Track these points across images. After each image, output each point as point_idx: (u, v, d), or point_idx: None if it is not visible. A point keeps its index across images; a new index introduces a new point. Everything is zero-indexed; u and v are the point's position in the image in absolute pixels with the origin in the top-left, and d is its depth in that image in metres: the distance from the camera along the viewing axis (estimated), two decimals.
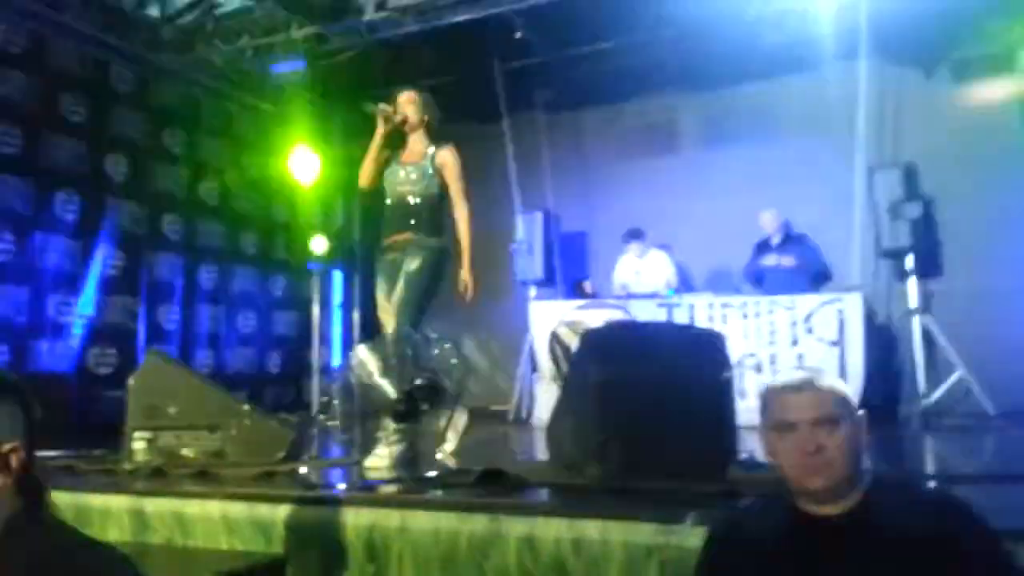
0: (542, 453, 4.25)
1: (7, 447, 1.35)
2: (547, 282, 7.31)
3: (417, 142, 4.01)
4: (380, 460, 3.38)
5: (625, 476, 2.76)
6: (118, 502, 3.05)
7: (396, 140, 4.07)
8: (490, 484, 2.80)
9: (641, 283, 6.84)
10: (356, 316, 8.71)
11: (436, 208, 3.92)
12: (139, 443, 3.65)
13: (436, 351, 3.14)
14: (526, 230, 7.33)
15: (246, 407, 3.77)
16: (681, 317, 5.97)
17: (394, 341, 3.31)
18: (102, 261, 6.55)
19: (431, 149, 3.96)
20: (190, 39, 7.06)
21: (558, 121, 8.19)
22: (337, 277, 8.84)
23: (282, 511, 2.69)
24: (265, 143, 7.99)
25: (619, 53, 7.65)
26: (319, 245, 7.51)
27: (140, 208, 6.97)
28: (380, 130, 3.92)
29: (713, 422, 2.96)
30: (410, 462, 3.30)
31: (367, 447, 3.64)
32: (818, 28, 6.87)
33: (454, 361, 3.17)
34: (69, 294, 6.32)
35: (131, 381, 3.75)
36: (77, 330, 6.32)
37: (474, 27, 6.80)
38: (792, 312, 5.84)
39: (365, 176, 3.99)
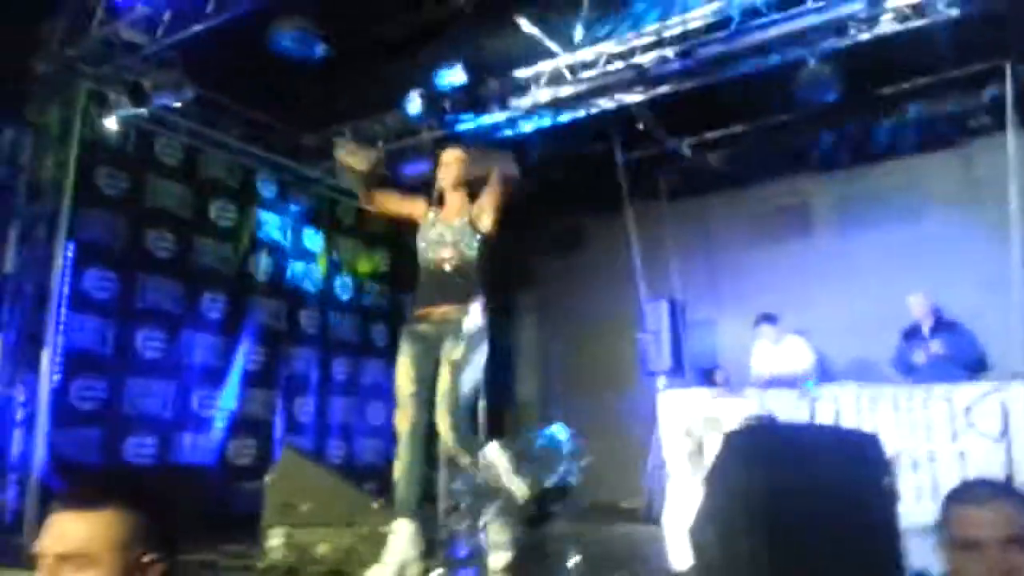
0: (677, 557, 4.01)
1: (147, 558, 1.36)
2: (675, 372, 7.09)
3: (456, 201, 3.65)
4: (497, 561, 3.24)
5: None
6: None
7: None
8: None
9: (779, 370, 6.52)
10: (481, 406, 8.71)
11: (474, 274, 3.54)
12: (274, 540, 3.69)
13: (567, 451, 3.03)
14: (652, 319, 7.17)
15: (376, 504, 3.77)
16: (825, 409, 5.60)
17: (524, 441, 3.22)
18: (244, 356, 6.89)
19: (468, 202, 3.61)
20: (327, 146, 7.50)
21: (683, 208, 8.12)
22: None
23: None
24: (394, 238, 8.29)
25: (746, 137, 7.58)
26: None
27: (280, 304, 7.33)
28: (360, 171, 3.54)
29: (876, 533, 2.69)
30: (538, 568, 3.16)
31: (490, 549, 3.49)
32: (961, 100, 6.59)
33: (585, 462, 3.05)
34: (213, 388, 6.64)
35: (267, 478, 3.83)
36: (219, 423, 6.60)
37: (594, 120, 6.90)
38: (950, 404, 5.37)
39: (376, 201, 3.67)
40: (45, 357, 5.40)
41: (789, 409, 5.66)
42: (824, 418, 5.57)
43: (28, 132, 5.91)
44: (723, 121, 7.46)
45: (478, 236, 3.56)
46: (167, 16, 5.62)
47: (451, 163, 3.68)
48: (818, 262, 7.51)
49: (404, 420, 3.45)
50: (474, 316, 3.44)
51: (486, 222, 3.57)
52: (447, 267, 3.53)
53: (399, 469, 3.45)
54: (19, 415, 5.44)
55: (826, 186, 7.87)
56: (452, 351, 3.37)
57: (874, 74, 6.54)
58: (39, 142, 5.91)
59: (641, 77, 6.25)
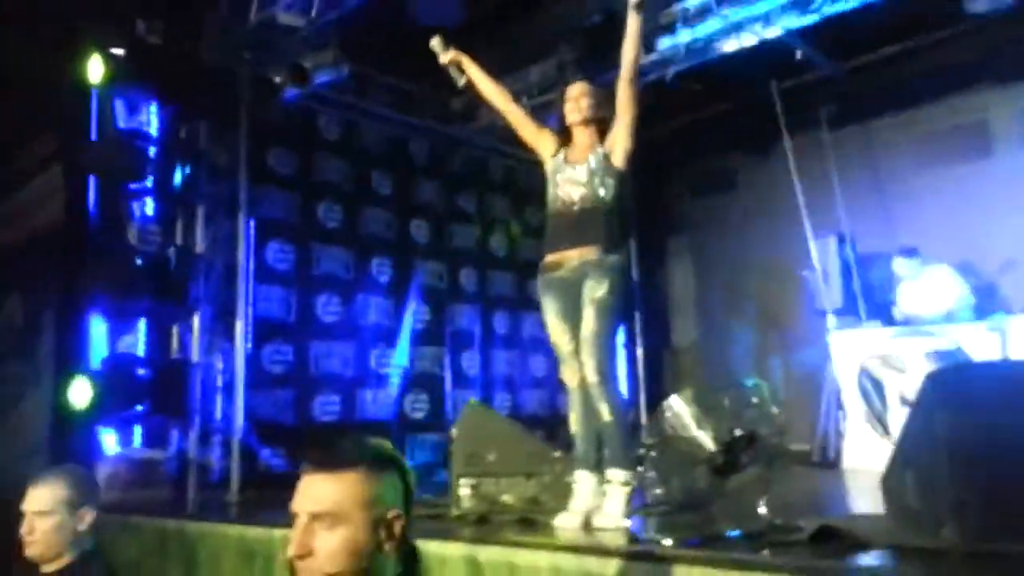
0: (863, 504, 3.90)
1: (391, 514, 1.48)
2: (847, 310, 6.77)
3: (585, 139, 3.50)
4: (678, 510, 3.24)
5: (989, 539, 2.43)
6: (453, 549, 3.24)
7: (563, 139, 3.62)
8: (827, 543, 2.60)
9: (924, 308, 6.12)
10: (639, 353, 8.72)
11: (612, 214, 3.39)
12: (464, 489, 3.88)
13: (755, 399, 3.00)
14: (820, 256, 6.86)
15: (558, 454, 3.89)
16: (1017, 343, 5.20)
17: (711, 390, 3.19)
18: (412, 316, 7.22)
19: (597, 139, 3.46)
20: (474, 108, 7.61)
21: (846, 136, 7.64)
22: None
23: (612, 565, 2.70)
24: (544, 192, 8.37)
25: (910, 55, 7.04)
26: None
27: (440, 265, 7.60)
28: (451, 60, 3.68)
29: None
30: (730, 516, 3.16)
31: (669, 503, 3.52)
32: None
33: (775, 410, 3.01)
34: (387, 347, 7.02)
35: (454, 430, 4.03)
36: (395, 379, 6.99)
37: (746, 53, 6.60)
38: None
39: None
40: (238, 327, 5.84)
41: (976, 345, 5.30)
42: (1018, 352, 5.17)
43: (202, 120, 6.34)
44: (885, 40, 6.94)
45: (614, 174, 3.42)
46: None
47: (578, 97, 3.56)
48: (1000, 184, 6.91)
49: (572, 376, 3.45)
50: (614, 255, 3.36)
51: (619, 154, 3.44)
52: (579, 208, 3.42)
53: (575, 423, 3.49)
54: (219, 381, 5.95)
55: (1006, 99, 7.19)
56: (595, 289, 3.30)
57: None
58: (212, 128, 6.34)
59: (796, 2, 5.90)
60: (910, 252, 6.39)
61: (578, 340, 3.37)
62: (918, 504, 2.75)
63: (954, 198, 7.02)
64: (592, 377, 3.29)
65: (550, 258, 3.52)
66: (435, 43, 3.75)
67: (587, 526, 3.26)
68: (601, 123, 3.52)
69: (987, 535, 2.44)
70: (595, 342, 3.28)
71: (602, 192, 3.40)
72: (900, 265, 6.41)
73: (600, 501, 3.32)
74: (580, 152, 3.51)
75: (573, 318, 3.39)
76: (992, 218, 6.75)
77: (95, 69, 5.40)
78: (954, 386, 2.80)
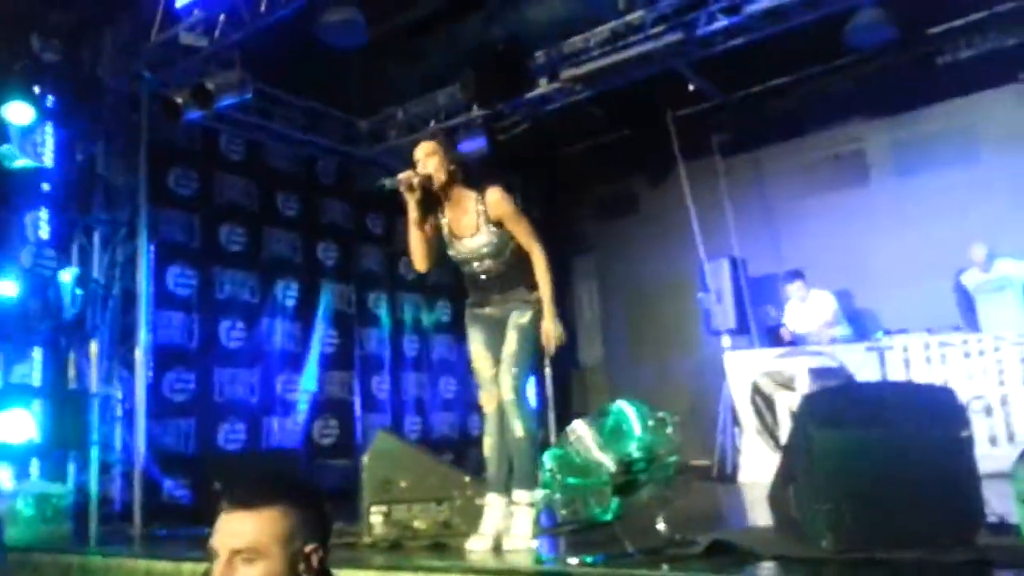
0: (757, 517, 4.15)
1: (309, 548, 1.55)
2: (740, 331, 7.15)
3: (456, 200, 3.48)
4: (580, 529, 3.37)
5: (863, 547, 2.66)
6: None
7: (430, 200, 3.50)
8: (719, 556, 2.78)
9: (806, 327, 6.58)
10: (548, 373, 8.89)
11: (517, 264, 3.49)
12: (376, 517, 3.91)
13: (651, 422, 3.18)
14: (713, 278, 7.23)
15: (467, 479, 3.97)
16: (895, 360, 5.63)
17: (611, 413, 3.34)
18: (320, 340, 7.17)
19: (478, 203, 3.45)
20: (382, 129, 7.67)
21: (737, 163, 8.09)
22: None
23: None
24: None
25: (796, 87, 7.51)
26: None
27: (348, 288, 7.58)
28: (411, 203, 3.40)
29: (955, 484, 2.79)
30: (628, 534, 3.31)
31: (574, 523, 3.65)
32: (1018, 35, 6.42)
33: (670, 430, 3.19)
34: (293, 373, 6.95)
35: (365, 458, 4.05)
36: (302, 405, 6.91)
37: (643, 83, 6.90)
38: (1021, 348, 5.36)
39: (420, 261, 3.53)
40: (138, 354, 5.70)
41: (857, 363, 5.70)
42: (893, 369, 5.60)
43: (99, 141, 6.17)
44: (772, 72, 7.38)
45: (507, 235, 3.46)
46: (223, 18, 5.81)
47: (428, 156, 3.46)
48: (877, 209, 7.45)
49: (489, 401, 3.57)
50: (536, 292, 3.47)
51: (533, 248, 3.47)
52: (489, 274, 3.53)
53: (488, 447, 3.60)
54: (118, 411, 5.78)
55: (881, 131, 7.76)
56: (519, 318, 3.46)
57: (926, 14, 6.42)
58: (110, 150, 6.18)
59: (688, 38, 6.23)
60: (795, 275, 6.78)
61: (496, 365, 3.50)
62: (800, 516, 2.98)
63: (836, 223, 7.50)
64: (508, 395, 3.43)
65: (476, 302, 3.64)
66: (403, 187, 3.44)
67: (497, 548, 3.37)
68: (453, 172, 3.48)
69: (861, 544, 2.67)
70: (513, 362, 3.42)
71: (506, 254, 3.49)
72: (788, 287, 6.80)
73: (509, 523, 3.44)
74: (458, 218, 3.51)
75: (496, 347, 3.52)
76: (870, 242, 7.26)
77: None
78: (828, 405, 3.06)
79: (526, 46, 6.80)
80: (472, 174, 3.60)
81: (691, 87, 7.15)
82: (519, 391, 3.44)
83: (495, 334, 3.55)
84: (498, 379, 3.48)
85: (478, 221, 3.48)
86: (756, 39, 6.10)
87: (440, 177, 3.45)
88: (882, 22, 5.73)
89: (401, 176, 3.42)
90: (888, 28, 5.74)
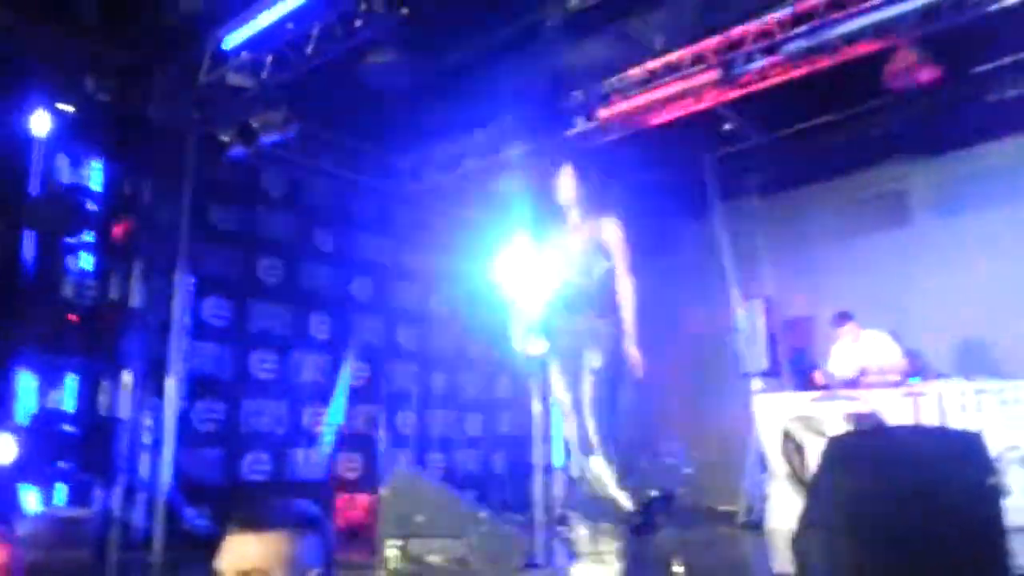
0: (780, 562, 4.02)
1: (313, 573, 1.55)
2: (772, 373, 6.99)
3: (575, 220, 4.02)
4: (598, 569, 3.34)
5: None
6: None
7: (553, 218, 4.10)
8: None
9: (863, 369, 6.37)
10: None
11: (603, 288, 3.89)
12: (391, 550, 3.90)
13: (669, 461, 3.11)
14: (747, 319, 7.11)
15: (485, 515, 3.94)
16: (930, 407, 5.45)
17: (628, 452, 3.33)
18: (349, 373, 7.22)
19: (594, 224, 3.95)
20: (421, 167, 7.78)
21: (773, 204, 8.00)
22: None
23: None
24: (489, 254, 8.53)
25: (835, 126, 7.42)
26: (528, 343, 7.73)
27: (379, 322, 7.63)
28: None
29: (982, 534, 2.68)
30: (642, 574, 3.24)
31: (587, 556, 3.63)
32: None
33: (689, 470, 3.13)
34: (321, 405, 6.99)
35: (383, 492, 4.05)
36: (328, 438, 6.93)
37: (680, 122, 6.89)
38: None
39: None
40: (170, 383, 5.79)
41: (892, 409, 5.53)
42: (928, 415, 5.41)
43: (146, 176, 6.35)
44: (812, 111, 7.32)
45: (603, 257, 3.89)
46: (269, 59, 5.97)
47: (564, 180, 4.04)
48: (918, 251, 7.28)
49: (571, 428, 3.85)
50: (608, 324, 3.82)
51: (626, 281, 3.92)
52: (581, 283, 3.89)
53: (576, 470, 3.76)
54: (146, 439, 5.85)
55: (923, 171, 7.60)
56: (593, 360, 3.76)
57: (968, 52, 6.33)
58: (156, 186, 6.35)
59: (726, 77, 6.22)
60: (846, 317, 6.59)
61: (578, 399, 3.81)
62: (823, 564, 2.87)
63: (874, 265, 7.34)
64: (594, 438, 3.67)
65: (555, 324, 3.96)
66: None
67: None
68: (581, 202, 4.01)
69: None
70: (595, 406, 3.72)
71: (597, 270, 3.89)
72: (839, 330, 6.58)
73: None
74: (574, 231, 4.00)
75: (573, 378, 3.86)
76: (910, 286, 7.08)
77: (40, 123, 5.41)
78: (854, 451, 2.96)
79: (565, 86, 6.89)
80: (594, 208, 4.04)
81: (728, 127, 7.11)
82: (604, 433, 3.67)
83: (571, 364, 3.86)
84: (582, 417, 3.77)
85: (585, 239, 3.93)
86: (795, 78, 6.07)
87: (570, 195, 3.99)
88: (923, 61, 5.65)
89: None
90: (930, 67, 5.66)
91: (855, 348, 6.51)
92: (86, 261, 6.03)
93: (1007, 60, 6.45)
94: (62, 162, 5.81)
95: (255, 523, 1.52)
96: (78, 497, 5.25)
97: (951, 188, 7.35)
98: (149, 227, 6.27)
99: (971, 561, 2.59)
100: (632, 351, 3.77)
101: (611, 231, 3.93)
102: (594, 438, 3.65)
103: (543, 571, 3.75)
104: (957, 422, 5.24)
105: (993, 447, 3.26)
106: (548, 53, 6.60)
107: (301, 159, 7.14)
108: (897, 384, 5.89)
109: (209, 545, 1.62)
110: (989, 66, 6.53)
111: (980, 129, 6.98)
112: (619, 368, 3.78)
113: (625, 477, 3.34)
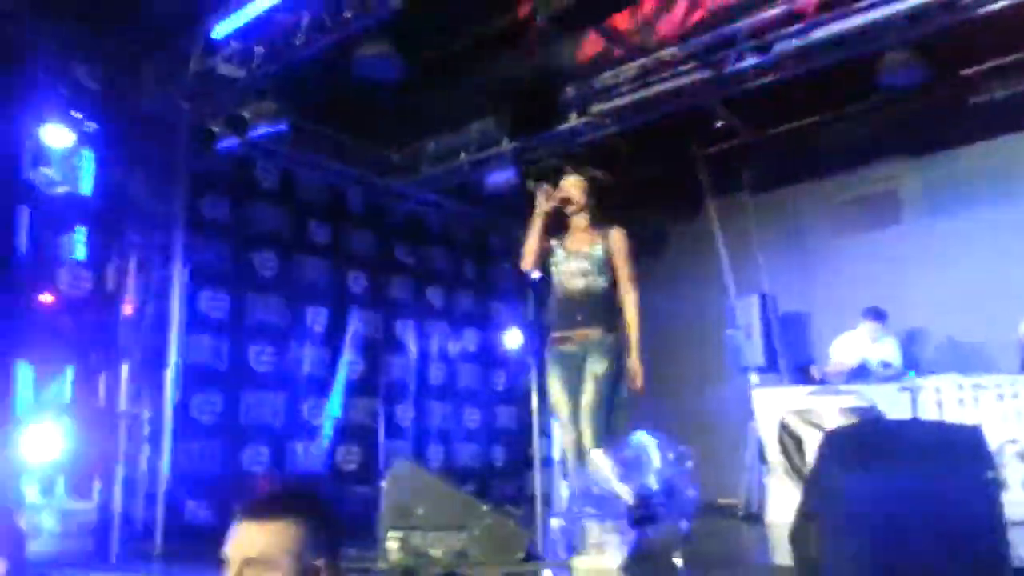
0: (779, 554, 4.07)
1: (319, 563, 1.56)
2: (769, 368, 7.05)
3: (582, 227, 4.00)
4: (598, 561, 3.38)
5: None
6: None
7: (557, 225, 4.06)
8: None
9: (863, 363, 6.42)
10: None
11: (609, 298, 3.89)
12: (392, 543, 3.91)
13: (671, 455, 3.15)
14: (742, 315, 7.16)
15: (486, 508, 3.96)
16: (927, 400, 5.50)
17: (630, 446, 3.36)
18: (346, 366, 7.22)
19: (601, 232, 3.95)
20: (414, 161, 7.77)
21: (767, 200, 8.04)
22: None
23: None
24: (482, 246, 8.57)
25: (827, 126, 7.47)
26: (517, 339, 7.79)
27: (376, 315, 7.64)
28: (541, 208, 3.89)
29: (980, 527, 2.72)
30: (644, 568, 3.27)
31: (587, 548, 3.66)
32: None
33: (690, 463, 3.17)
34: (319, 398, 6.99)
35: (384, 484, 4.07)
36: (327, 431, 6.95)
37: (672, 119, 6.92)
38: None
39: (529, 257, 3.95)
40: (168, 376, 5.78)
41: (889, 403, 5.59)
42: (926, 410, 5.47)
43: (137, 167, 6.31)
44: (804, 111, 7.36)
45: (610, 268, 3.88)
46: (260, 50, 5.95)
47: (570, 188, 4.00)
48: (910, 249, 7.33)
49: (568, 438, 3.82)
50: (612, 335, 3.82)
51: (630, 292, 3.91)
52: (586, 294, 3.87)
53: (572, 480, 3.74)
54: (145, 431, 5.84)
55: (914, 171, 7.67)
56: (595, 366, 3.77)
57: (958, 54, 6.38)
58: (148, 176, 6.32)
59: (718, 75, 6.25)
60: (881, 315, 6.56)
61: (577, 407, 3.80)
62: (821, 556, 2.91)
63: (867, 262, 7.39)
64: (589, 444, 3.66)
65: (557, 334, 3.95)
66: (542, 195, 3.95)
67: None
68: (589, 207, 4.02)
69: None
70: (593, 415, 3.71)
71: (602, 280, 3.88)
72: (867, 324, 6.56)
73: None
74: (579, 241, 3.98)
75: (574, 387, 3.83)
76: (902, 282, 7.13)
77: (32, 113, 5.38)
78: (852, 443, 3.00)
79: (557, 81, 6.89)
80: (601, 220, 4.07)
81: (720, 124, 7.15)
82: (599, 439, 3.67)
83: (573, 374, 3.85)
84: (579, 426, 3.76)
85: (594, 248, 3.91)
86: (786, 78, 6.11)
87: (579, 204, 3.96)
88: (913, 62, 5.70)
89: (546, 187, 3.92)
90: (919, 68, 5.71)
91: (869, 346, 6.53)
92: (80, 251, 6.00)
93: (994, 63, 6.51)
94: (54, 152, 5.75)
95: (262, 511, 1.53)
96: (78, 489, 5.24)
97: (941, 188, 7.41)
98: (142, 218, 6.25)
99: (970, 554, 2.62)
100: (633, 363, 3.79)
101: (618, 240, 3.94)
102: (588, 444, 3.64)
103: (543, 564, 3.78)
104: (955, 417, 5.30)
105: (991, 441, 3.31)
106: (541, 47, 6.62)
107: (293, 151, 7.11)
108: (894, 378, 5.95)
109: (209, 536, 1.63)
110: (976, 68, 6.59)
111: (969, 130, 7.03)
112: (620, 377, 3.80)
113: (625, 471, 3.36)
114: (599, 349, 3.79)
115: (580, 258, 3.91)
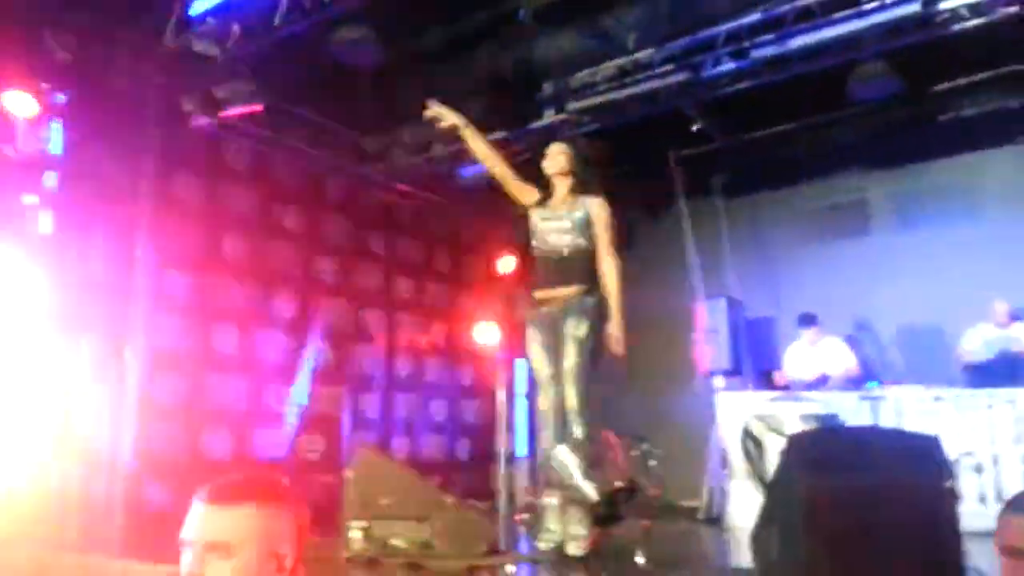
0: (740, 558, 4.12)
1: (282, 549, 1.54)
2: (734, 372, 7.12)
3: (564, 192, 4.07)
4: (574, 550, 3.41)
5: None
6: None
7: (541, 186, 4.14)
8: None
9: (813, 374, 6.54)
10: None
11: (589, 260, 3.93)
12: (355, 532, 3.90)
13: (635, 452, 3.17)
14: (709, 317, 7.22)
15: (450, 500, 3.96)
16: (888, 411, 5.61)
17: (591, 442, 3.37)
18: (313, 354, 7.15)
19: (583, 200, 4.01)
20: (388, 149, 7.71)
21: (737, 205, 8.13)
22: (521, 366, 9.07)
23: None
24: (455, 239, 8.54)
25: (799, 134, 7.56)
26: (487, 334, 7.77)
27: (345, 304, 7.57)
28: (450, 122, 4.14)
29: (937, 536, 2.77)
30: (606, 564, 3.30)
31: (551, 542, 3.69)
32: (1015, 95, 6.50)
33: (654, 463, 3.18)
34: (284, 384, 6.91)
35: (348, 473, 4.04)
36: (291, 418, 6.87)
37: (647, 120, 6.95)
38: (1014, 406, 5.35)
39: (498, 168, 4.11)
40: (131, 356, 5.67)
41: (850, 411, 5.68)
42: (886, 420, 5.58)
43: (106, 141, 6.18)
44: (777, 118, 7.44)
45: (592, 229, 3.93)
46: (236, 28, 5.85)
47: (556, 154, 4.10)
48: (877, 261, 7.46)
49: (546, 400, 3.83)
50: (592, 296, 3.83)
51: (611, 258, 3.94)
52: (565, 252, 3.92)
53: (547, 442, 3.73)
54: (107, 411, 5.74)
55: (883, 182, 7.80)
56: (576, 328, 3.77)
57: (930, 70, 6.49)
58: (117, 150, 6.18)
59: (694, 79, 6.29)
60: (811, 320, 6.72)
61: (557, 369, 3.81)
62: (781, 561, 2.95)
63: (835, 271, 7.51)
64: (572, 404, 3.70)
65: (538, 295, 4.01)
66: (435, 111, 4.17)
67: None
68: (574, 175, 4.08)
69: None
70: (575, 375, 3.73)
71: (582, 241, 3.93)
72: (803, 332, 6.71)
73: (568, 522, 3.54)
74: (561, 202, 4.04)
75: (553, 349, 3.86)
76: (869, 292, 7.25)
77: None
78: (813, 447, 3.05)
79: (535, 77, 6.88)
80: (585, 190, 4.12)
81: (695, 128, 7.20)
82: (582, 401, 3.72)
83: (552, 335, 3.87)
84: (558, 385, 3.79)
85: (575, 211, 3.96)
86: (761, 84, 6.17)
87: (564, 169, 4.04)
88: (886, 75, 5.79)
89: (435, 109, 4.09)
90: (892, 81, 5.80)
91: (811, 352, 6.66)
92: (45, 226, 5.87)
93: (965, 80, 6.64)
94: (20, 122, 5.61)
95: (225, 495, 1.50)
96: (38, 469, 5.13)
97: (909, 200, 7.55)
98: (109, 193, 6.12)
99: (927, 562, 2.68)
100: (614, 328, 3.79)
101: (599, 208, 3.98)
102: (572, 405, 3.68)
103: (506, 556, 3.79)
104: (914, 427, 5.40)
105: (951, 453, 3.38)
106: (520, 42, 6.61)
107: (267, 133, 6.99)
108: (856, 387, 6.05)
109: (170, 518, 1.60)
110: (947, 84, 6.71)
111: (937, 145, 7.17)
112: (600, 341, 3.80)
113: (590, 468, 3.38)
114: (577, 309, 3.81)
115: (560, 219, 3.97)
